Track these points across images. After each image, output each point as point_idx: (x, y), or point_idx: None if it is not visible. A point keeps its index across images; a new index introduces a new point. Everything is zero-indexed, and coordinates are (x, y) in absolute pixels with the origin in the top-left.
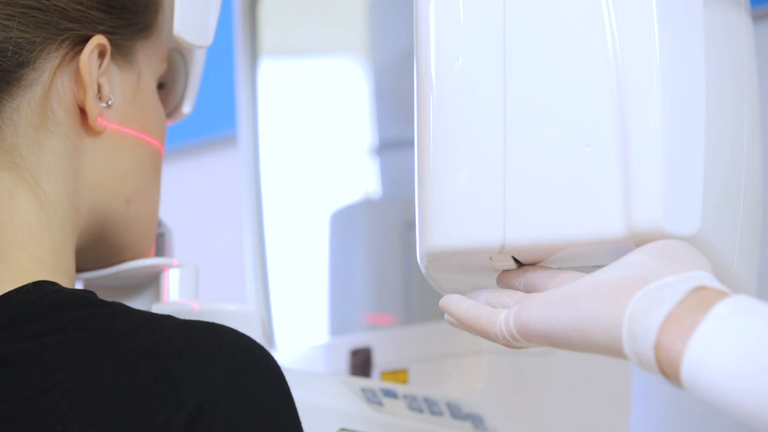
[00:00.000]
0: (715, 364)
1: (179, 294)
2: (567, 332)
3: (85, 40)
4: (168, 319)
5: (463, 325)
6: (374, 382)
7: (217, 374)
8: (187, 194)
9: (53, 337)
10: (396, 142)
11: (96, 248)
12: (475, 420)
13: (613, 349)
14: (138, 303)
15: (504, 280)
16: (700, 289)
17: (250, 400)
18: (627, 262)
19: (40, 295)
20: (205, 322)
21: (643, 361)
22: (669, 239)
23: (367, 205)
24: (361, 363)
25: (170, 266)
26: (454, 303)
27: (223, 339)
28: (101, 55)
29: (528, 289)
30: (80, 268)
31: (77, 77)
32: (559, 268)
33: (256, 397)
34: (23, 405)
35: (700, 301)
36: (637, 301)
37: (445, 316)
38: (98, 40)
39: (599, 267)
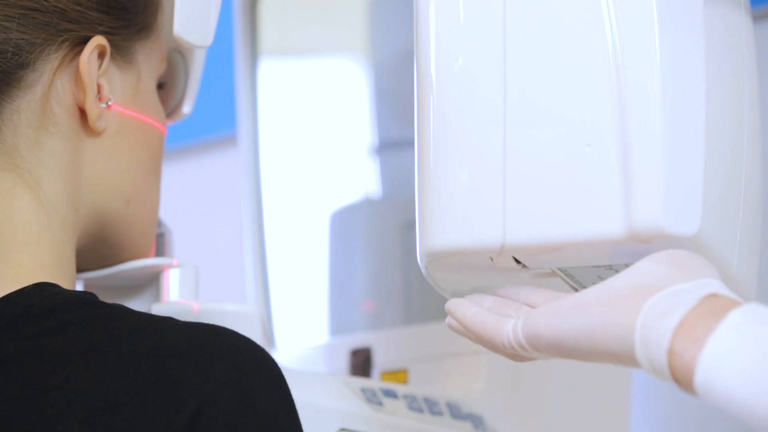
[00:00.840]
0: (729, 371)
1: (179, 294)
2: (578, 339)
3: (85, 40)
4: (168, 320)
5: (469, 331)
6: (374, 382)
7: (217, 375)
8: (187, 194)
9: (54, 337)
10: (396, 142)
11: (96, 248)
12: (475, 420)
13: (624, 356)
14: (138, 303)
15: (504, 293)
16: (713, 296)
17: (250, 400)
18: (636, 270)
19: (40, 296)
20: (206, 324)
21: (656, 368)
22: (676, 249)
23: (367, 205)
24: (361, 363)
25: (170, 266)
26: (460, 308)
27: (223, 340)
28: (101, 55)
29: (529, 305)
30: (80, 269)
31: (77, 78)
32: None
33: (256, 397)
34: (23, 405)
35: (713, 308)
36: (650, 307)
37: (447, 320)
38: (98, 40)
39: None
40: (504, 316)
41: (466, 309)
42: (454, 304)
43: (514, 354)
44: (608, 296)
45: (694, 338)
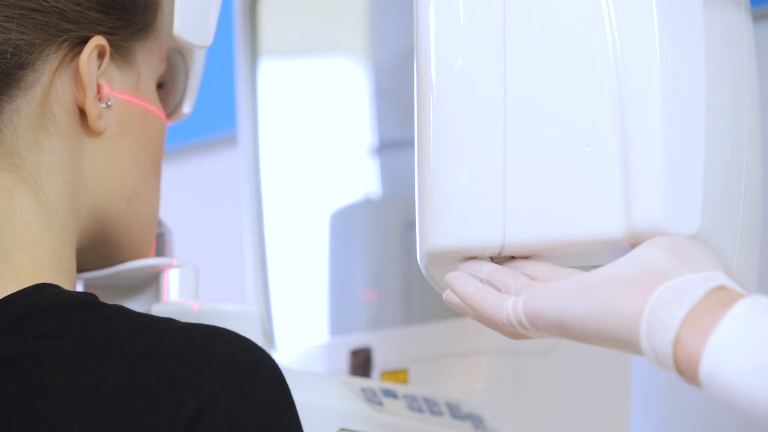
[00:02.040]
0: (735, 362)
1: (179, 294)
2: (581, 322)
3: (85, 41)
4: (168, 321)
5: (468, 306)
6: (374, 382)
7: (218, 375)
8: (187, 194)
9: (54, 338)
10: (396, 142)
11: (96, 249)
12: (475, 420)
13: (627, 343)
14: (138, 303)
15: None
16: (720, 288)
17: (250, 400)
18: (642, 257)
19: (41, 297)
20: (206, 324)
21: (659, 357)
22: (676, 236)
23: (367, 205)
24: (361, 363)
25: (170, 266)
26: (461, 282)
27: (224, 341)
28: (100, 55)
29: (528, 275)
30: (80, 269)
31: (77, 78)
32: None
33: (256, 398)
34: (24, 406)
35: (720, 299)
36: (659, 296)
37: (445, 293)
38: (97, 40)
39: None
40: (502, 286)
41: (467, 284)
42: (454, 278)
43: (514, 332)
44: (615, 281)
45: (701, 329)
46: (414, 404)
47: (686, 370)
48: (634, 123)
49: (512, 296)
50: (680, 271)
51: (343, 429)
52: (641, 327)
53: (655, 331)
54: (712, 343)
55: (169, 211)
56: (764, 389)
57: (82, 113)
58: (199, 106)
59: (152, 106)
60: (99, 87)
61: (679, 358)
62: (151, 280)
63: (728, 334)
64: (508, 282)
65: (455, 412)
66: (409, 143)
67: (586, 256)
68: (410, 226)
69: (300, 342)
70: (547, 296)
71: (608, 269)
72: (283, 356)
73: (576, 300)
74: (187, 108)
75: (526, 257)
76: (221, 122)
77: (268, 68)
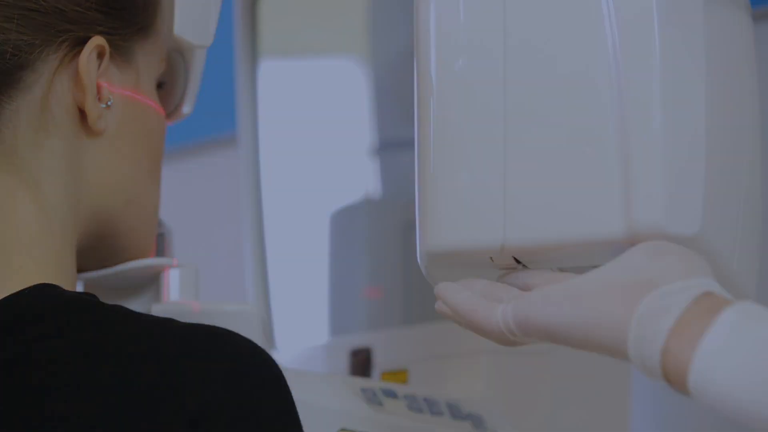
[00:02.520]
0: (724, 371)
1: (179, 294)
2: (569, 329)
3: (84, 41)
4: (169, 322)
5: (458, 315)
6: (374, 382)
7: (218, 377)
8: (187, 194)
9: (54, 340)
10: (396, 142)
11: (96, 249)
12: (475, 420)
13: (616, 350)
14: (138, 303)
15: (503, 279)
16: (708, 294)
17: (251, 402)
18: (629, 263)
19: (41, 298)
20: (206, 325)
21: (647, 365)
22: (663, 241)
23: (367, 205)
24: (361, 363)
25: (170, 266)
26: (450, 292)
27: (225, 343)
28: (100, 55)
29: (526, 289)
30: (80, 269)
31: (76, 78)
32: (560, 269)
33: (257, 399)
34: (24, 408)
35: (708, 306)
36: (646, 305)
37: (437, 304)
38: (97, 41)
39: (599, 267)
40: (495, 300)
41: (456, 293)
42: (444, 288)
43: (505, 339)
44: (603, 288)
45: (688, 338)
46: (414, 404)
47: (675, 380)
48: (634, 123)
49: (502, 304)
50: (667, 277)
51: (343, 429)
52: (629, 337)
53: (643, 340)
54: (700, 352)
55: (169, 211)
56: (753, 397)
57: (82, 114)
58: (199, 106)
59: (152, 101)
60: (99, 87)
61: (668, 367)
62: (151, 280)
63: (716, 343)
64: (501, 296)
65: (455, 412)
66: (409, 143)
67: (586, 256)
68: (410, 226)
69: (300, 342)
70: (536, 302)
71: (595, 275)
72: (283, 356)
73: (564, 306)
74: (187, 108)
75: (527, 267)
76: (221, 122)
77: (268, 68)
